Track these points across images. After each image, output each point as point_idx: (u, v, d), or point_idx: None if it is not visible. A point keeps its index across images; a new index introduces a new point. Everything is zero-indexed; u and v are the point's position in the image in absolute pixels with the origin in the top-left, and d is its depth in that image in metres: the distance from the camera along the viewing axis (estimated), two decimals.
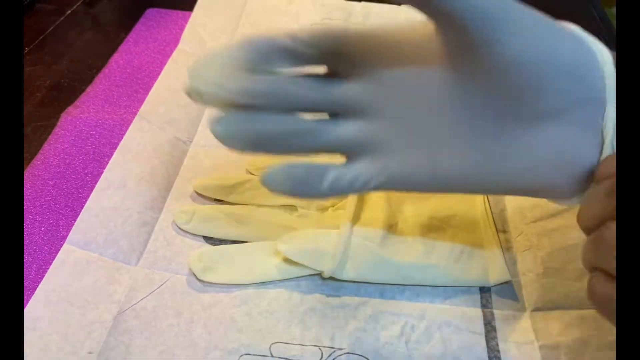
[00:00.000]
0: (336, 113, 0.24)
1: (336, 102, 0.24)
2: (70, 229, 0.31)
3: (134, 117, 0.37)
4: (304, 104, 0.24)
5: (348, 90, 0.24)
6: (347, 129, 0.24)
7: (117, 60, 0.44)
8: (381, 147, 0.24)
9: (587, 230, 0.21)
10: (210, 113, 0.23)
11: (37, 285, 0.28)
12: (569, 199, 0.24)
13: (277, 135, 0.23)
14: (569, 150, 0.22)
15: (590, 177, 0.22)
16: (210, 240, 0.32)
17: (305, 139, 0.24)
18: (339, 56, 0.24)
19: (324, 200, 0.23)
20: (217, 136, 0.23)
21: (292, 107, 0.24)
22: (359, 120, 0.24)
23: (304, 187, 0.24)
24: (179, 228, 0.32)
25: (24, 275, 0.29)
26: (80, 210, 0.32)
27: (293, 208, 0.33)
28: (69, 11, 0.51)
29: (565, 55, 0.21)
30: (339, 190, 0.24)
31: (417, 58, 0.23)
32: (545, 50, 0.21)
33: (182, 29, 0.47)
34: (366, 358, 0.27)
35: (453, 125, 0.23)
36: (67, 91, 0.42)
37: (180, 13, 0.50)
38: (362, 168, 0.24)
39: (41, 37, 0.47)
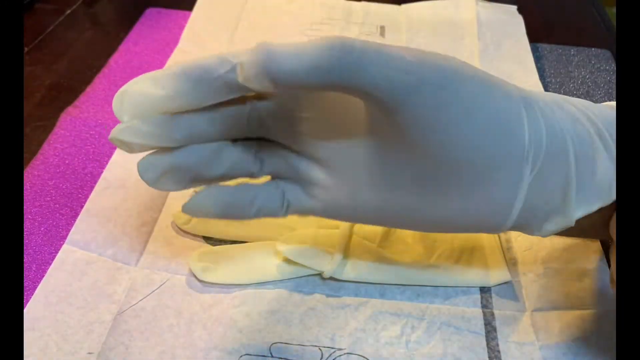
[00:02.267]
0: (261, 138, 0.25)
1: (257, 131, 0.25)
2: (69, 229, 0.31)
3: None
4: (230, 135, 0.24)
5: (270, 109, 0.24)
6: (273, 159, 0.25)
7: (117, 60, 0.44)
8: (308, 176, 0.25)
9: None
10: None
11: (37, 286, 0.28)
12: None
13: (206, 174, 0.24)
14: (485, 210, 0.23)
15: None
16: (210, 240, 0.32)
17: (233, 165, 0.24)
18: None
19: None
20: (142, 177, 0.23)
21: (218, 139, 0.24)
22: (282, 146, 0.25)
23: (232, 210, 0.24)
24: (179, 228, 0.32)
25: (24, 276, 0.29)
26: (80, 211, 0.32)
27: None
28: (69, 11, 0.51)
29: (479, 116, 0.21)
30: (268, 214, 0.25)
31: (344, 114, 0.24)
32: (458, 113, 0.21)
33: (181, 28, 0.47)
34: (366, 358, 0.27)
35: (374, 175, 0.24)
36: (67, 91, 0.42)
37: (180, 13, 0.50)
38: (290, 196, 0.25)
39: (41, 37, 0.47)
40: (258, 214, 0.24)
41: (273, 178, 0.26)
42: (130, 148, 0.23)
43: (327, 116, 0.24)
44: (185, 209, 0.24)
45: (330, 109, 0.24)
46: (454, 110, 0.20)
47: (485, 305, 0.29)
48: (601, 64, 0.47)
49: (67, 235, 0.31)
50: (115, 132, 0.22)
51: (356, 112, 0.23)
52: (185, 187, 0.24)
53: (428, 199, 0.23)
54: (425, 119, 0.20)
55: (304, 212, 0.25)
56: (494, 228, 0.24)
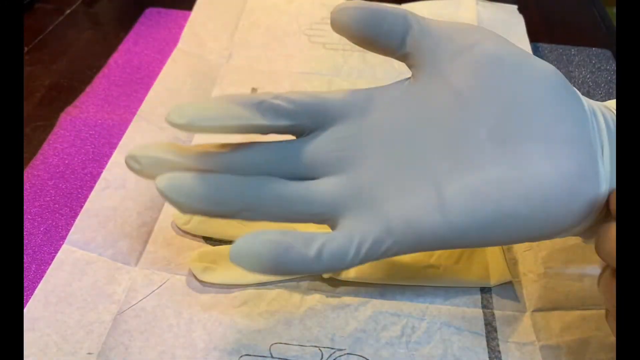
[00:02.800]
0: (312, 177, 0.23)
1: (306, 158, 0.23)
2: (69, 229, 0.31)
3: (133, 117, 0.37)
4: (271, 165, 0.23)
5: (319, 143, 0.23)
6: (328, 183, 0.23)
7: (117, 60, 0.44)
8: (374, 196, 0.22)
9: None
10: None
11: (36, 286, 0.28)
12: (574, 228, 0.23)
13: (236, 193, 0.22)
14: (565, 171, 0.21)
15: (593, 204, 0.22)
16: (210, 240, 0.32)
17: (276, 199, 0.22)
18: (315, 111, 0.23)
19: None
20: (163, 191, 0.21)
21: (258, 172, 0.22)
22: (338, 175, 0.23)
23: (286, 260, 0.20)
24: (179, 228, 0.32)
25: (23, 276, 0.29)
26: (80, 211, 0.32)
27: None
28: (69, 11, 0.50)
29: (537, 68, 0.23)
30: (335, 261, 0.21)
31: (389, 96, 0.24)
32: (517, 57, 0.23)
33: (181, 28, 0.47)
34: (366, 359, 0.27)
35: (452, 156, 0.22)
36: (67, 91, 0.41)
37: (179, 13, 0.50)
38: (358, 227, 0.21)
39: (40, 37, 0.47)
40: (320, 257, 0.20)
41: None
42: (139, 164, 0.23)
43: (389, 122, 0.23)
44: (234, 251, 0.20)
45: (384, 116, 0.24)
46: (509, 59, 0.22)
47: (486, 306, 0.29)
48: (601, 64, 0.47)
49: (66, 235, 0.31)
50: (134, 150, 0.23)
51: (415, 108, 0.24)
52: (204, 204, 0.21)
53: (512, 160, 0.21)
54: (490, 57, 0.22)
55: (382, 240, 0.21)
56: (592, 195, 0.21)
